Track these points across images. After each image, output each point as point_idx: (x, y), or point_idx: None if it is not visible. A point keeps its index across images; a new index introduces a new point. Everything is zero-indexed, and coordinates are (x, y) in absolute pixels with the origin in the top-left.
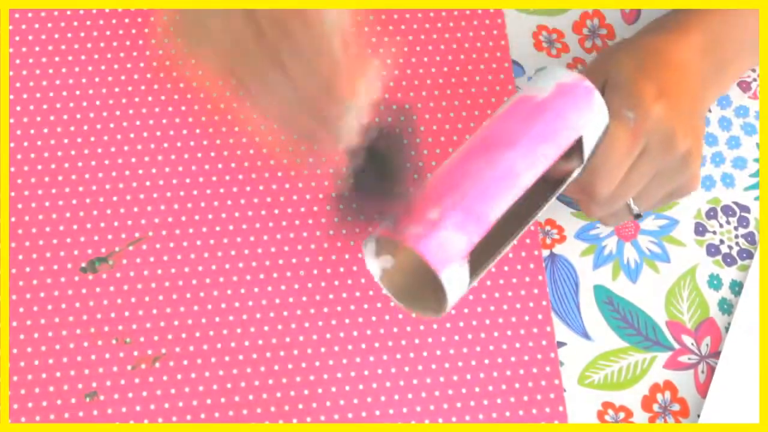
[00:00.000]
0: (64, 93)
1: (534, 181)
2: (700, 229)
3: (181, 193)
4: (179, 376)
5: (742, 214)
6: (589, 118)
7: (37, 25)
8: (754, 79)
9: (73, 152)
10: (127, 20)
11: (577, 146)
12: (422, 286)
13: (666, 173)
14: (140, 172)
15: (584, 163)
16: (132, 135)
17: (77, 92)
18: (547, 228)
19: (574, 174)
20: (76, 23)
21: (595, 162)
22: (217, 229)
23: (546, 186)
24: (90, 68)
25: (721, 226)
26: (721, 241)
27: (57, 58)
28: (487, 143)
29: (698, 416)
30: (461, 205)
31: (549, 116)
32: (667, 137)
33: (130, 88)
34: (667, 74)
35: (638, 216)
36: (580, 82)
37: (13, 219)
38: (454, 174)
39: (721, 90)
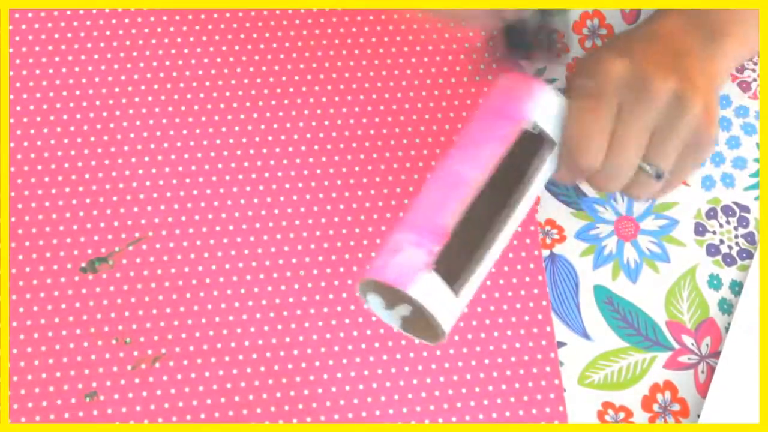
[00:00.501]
0: (64, 93)
1: (487, 179)
2: (700, 229)
3: (181, 193)
4: (179, 376)
5: (742, 214)
6: (533, 104)
7: (37, 25)
8: (754, 79)
9: (73, 152)
10: (127, 20)
11: (538, 134)
12: (420, 313)
13: (664, 122)
14: (140, 172)
15: (556, 147)
16: (132, 135)
17: (77, 92)
18: (547, 228)
19: (548, 161)
20: (76, 23)
21: (567, 140)
22: (217, 229)
23: (522, 178)
24: (90, 68)
25: (721, 226)
26: (721, 241)
27: (57, 58)
28: (436, 165)
29: (698, 416)
30: (413, 224)
31: (483, 115)
32: (640, 84)
33: (130, 88)
34: (636, 42)
35: (660, 176)
36: (511, 76)
37: (13, 219)
38: (411, 203)
39: (732, 53)
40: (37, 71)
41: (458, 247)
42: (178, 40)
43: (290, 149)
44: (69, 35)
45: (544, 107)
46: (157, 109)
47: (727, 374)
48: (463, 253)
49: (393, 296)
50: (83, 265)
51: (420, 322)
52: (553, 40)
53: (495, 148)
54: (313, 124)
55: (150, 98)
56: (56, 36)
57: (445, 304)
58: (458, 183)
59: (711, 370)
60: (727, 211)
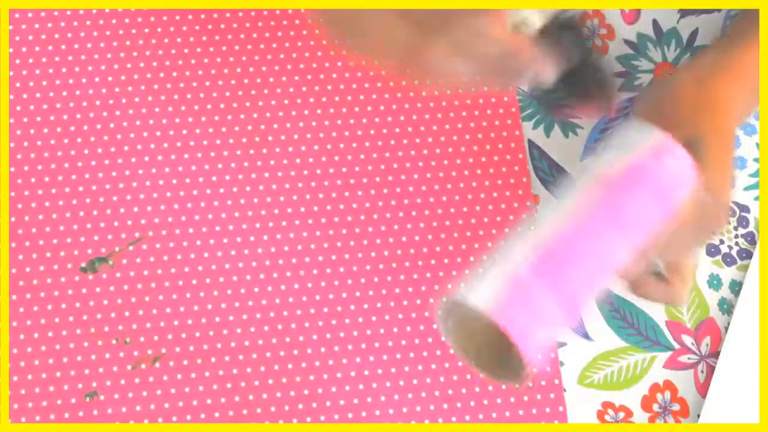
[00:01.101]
0: (64, 93)
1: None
2: None
3: (181, 193)
4: (179, 376)
5: (742, 214)
6: (681, 199)
7: (37, 25)
8: None
9: (73, 152)
10: (127, 20)
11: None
12: (493, 351)
13: (698, 236)
14: (140, 172)
15: None
16: (132, 135)
17: (77, 92)
18: None
19: None
20: (76, 23)
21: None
22: (217, 229)
23: None
24: (90, 68)
25: None
26: (721, 241)
27: (57, 58)
28: (598, 220)
29: (698, 416)
30: (565, 297)
31: (662, 206)
32: (719, 219)
33: (130, 88)
34: (732, 138)
35: (659, 275)
36: (691, 168)
37: (13, 219)
38: (569, 252)
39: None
40: (37, 71)
41: None
42: (178, 40)
43: (290, 149)
44: (69, 35)
45: (688, 182)
46: (157, 109)
47: (727, 374)
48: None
49: (489, 338)
50: (83, 265)
51: (490, 361)
52: (606, 87)
53: (647, 244)
54: (313, 124)
55: (150, 98)
56: (56, 36)
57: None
58: (610, 272)
59: (711, 370)
60: None
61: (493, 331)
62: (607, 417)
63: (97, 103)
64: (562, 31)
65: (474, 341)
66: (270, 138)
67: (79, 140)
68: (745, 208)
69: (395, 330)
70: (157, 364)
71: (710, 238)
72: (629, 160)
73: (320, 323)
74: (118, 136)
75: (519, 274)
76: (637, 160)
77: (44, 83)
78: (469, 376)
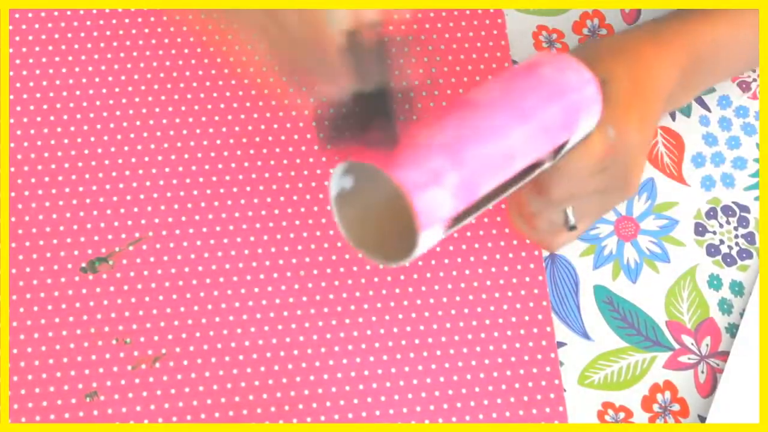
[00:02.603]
0: (64, 93)
1: (521, 169)
2: (700, 229)
3: (181, 193)
4: (179, 376)
5: (742, 214)
6: (586, 122)
7: (37, 25)
8: (754, 80)
9: (73, 152)
10: (127, 20)
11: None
12: (385, 228)
13: (608, 195)
14: (140, 172)
15: (555, 160)
16: (132, 135)
17: (77, 92)
18: None
19: (544, 166)
20: (76, 23)
21: (563, 163)
22: (217, 229)
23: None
24: (90, 68)
25: (721, 226)
26: (721, 241)
27: (57, 58)
28: (504, 104)
29: (698, 416)
30: (462, 169)
31: (561, 110)
32: (627, 168)
33: (130, 88)
34: (651, 98)
35: (572, 228)
36: (593, 86)
37: (13, 219)
38: (466, 124)
39: (676, 107)
40: (37, 71)
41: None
42: (178, 40)
43: (290, 149)
44: (69, 35)
45: (585, 130)
46: (157, 109)
47: (734, 378)
48: (471, 208)
49: (367, 174)
50: (83, 265)
51: (383, 230)
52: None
53: (549, 147)
54: (313, 124)
55: (150, 98)
56: (56, 36)
57: (428, 248)
58: (511, 161)
59: (711, 370)
60: (727, 211)
61: (390, 217)
62: (607, 417)
63: (97, 103)
64: (370, 49)
65: (368, 229)
66: (270, 138)
67: (79, 140)
68: (745, 208)
69: (395, 330)
70: (157, 364)
71: (618, 200)
72: (531, 60)
73: (320, 323)
74: (118, 136)
75: (415, 138)
76: (538, 63)
77: (44, 83)
78: (469, 376)
